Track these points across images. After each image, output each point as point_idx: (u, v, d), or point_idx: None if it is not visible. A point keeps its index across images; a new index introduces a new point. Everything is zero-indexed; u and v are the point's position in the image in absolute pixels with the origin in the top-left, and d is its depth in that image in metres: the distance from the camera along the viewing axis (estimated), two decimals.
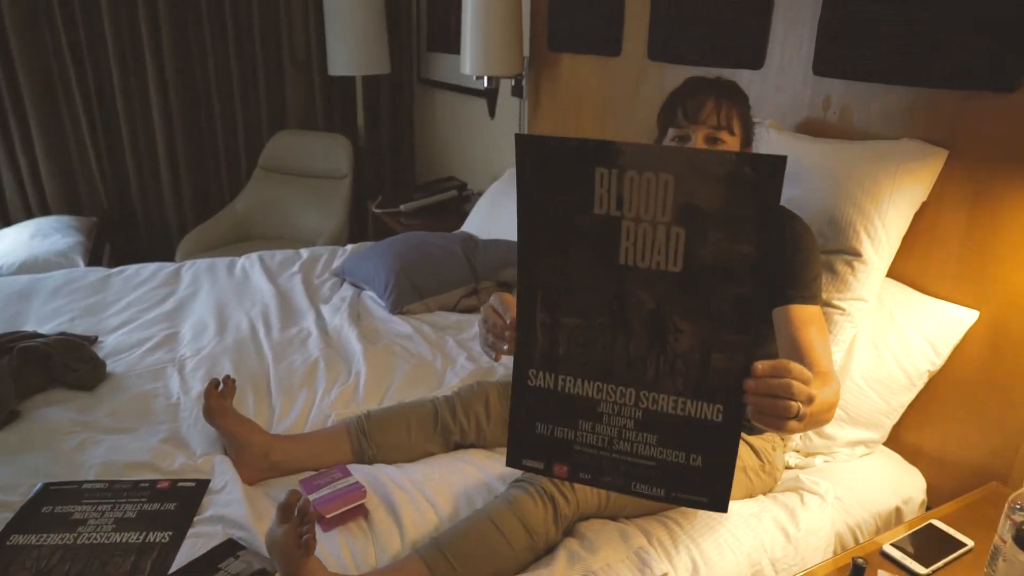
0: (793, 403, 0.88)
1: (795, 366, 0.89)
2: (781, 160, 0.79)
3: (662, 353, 0.89)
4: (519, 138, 0.88)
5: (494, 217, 2.64)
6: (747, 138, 1.40)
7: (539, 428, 0.97)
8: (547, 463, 0.99)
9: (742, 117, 1.37)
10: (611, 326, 0.91)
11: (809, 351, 1.23)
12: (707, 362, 0.88)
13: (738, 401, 0.88)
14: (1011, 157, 1.39)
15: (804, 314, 1.28)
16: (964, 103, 1.45)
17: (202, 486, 1.36)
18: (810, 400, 0.90)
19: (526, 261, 0.93)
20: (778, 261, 1.33)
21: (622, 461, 0.95)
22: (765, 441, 1.45)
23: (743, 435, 1.42)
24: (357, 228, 3.69)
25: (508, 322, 1.05)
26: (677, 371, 0.89)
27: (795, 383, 0.88)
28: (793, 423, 0.90)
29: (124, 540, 1.23)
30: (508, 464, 1.00)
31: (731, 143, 1.35)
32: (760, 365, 0.87)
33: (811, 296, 1.31)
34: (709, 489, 0.93)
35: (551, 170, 0.88)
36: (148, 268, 2.45)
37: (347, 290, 2.34)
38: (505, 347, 1.08)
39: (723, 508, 0.93)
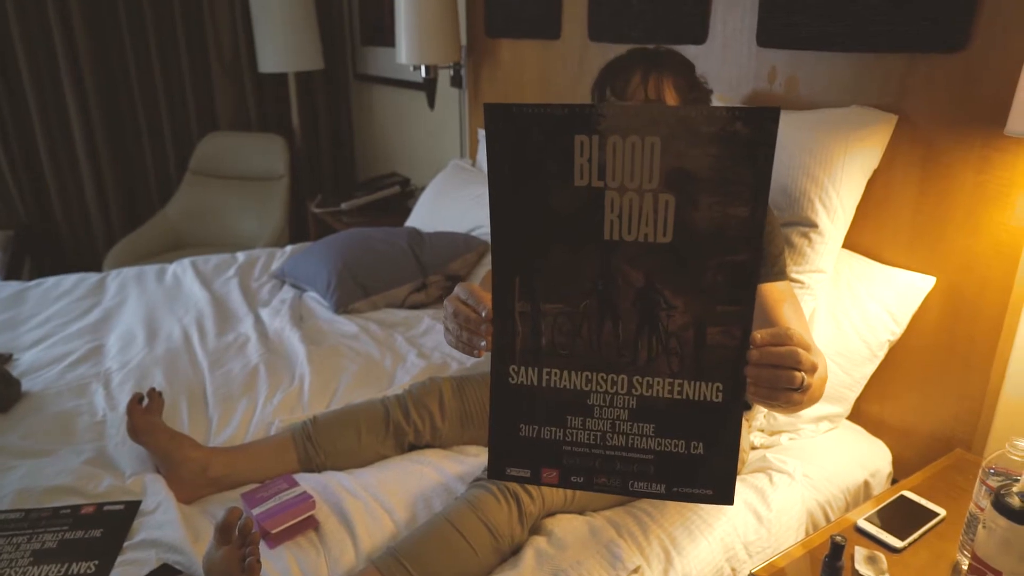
0: (797, 373, 0.82)
1: (796, 332, 0.84)
2: (774, 112, 0.73)
3: (654, 333, 0.83)
4: (488, 107, 0.79)
5: (439, 210, 2.55)
6: None
7: (523, 431, 0.89)
8: (534, 470, 0.90)
9: (679, 88, 1.28)
10: (598, 309, 0.83)
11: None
12: (703, 338, 0.82)
13: (738, 377, 0.82)
14: (960, 119, 1.37)
15: (775, 292, 1.23)
16: (911, 66, 1.43)
17: (132, 508, 1.24)
18: (814, 368, 0.84)
19: (501, 246, 0.84)
20: None
21: (617, 458, 0.87)
22: None
23: None
24: (297, 230, 3.57)
25: (484, 315, 0.92)
26: (671, 351, 0.83)
27: (800, 350, 0.82)
28: (796, 395, 0.84)
29: (44, 574, 1.10)
30: (490, 476, 0.91)
31: None
32: (760, 334, 0.81)
33: (779, 272, 1.26)
34: (713, 480, 0.86)
35: (525, 141, 0.79)
36: (69, 279, 2.29)
37: (287, 292, 2.23)
38: (483, 343, 0.96)
39: (729, 500, 0.86)
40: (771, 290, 1.23)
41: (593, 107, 0.77)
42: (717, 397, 0.83)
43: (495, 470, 0.91)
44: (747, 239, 0.78)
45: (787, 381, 0.82)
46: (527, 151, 0.79)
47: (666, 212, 0.79)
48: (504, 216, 0.83)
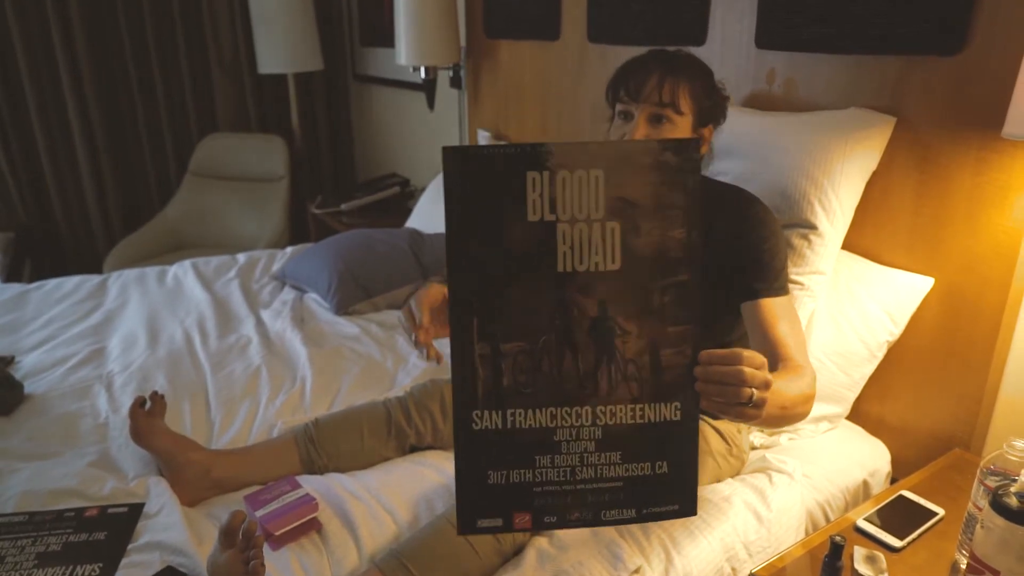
0: (745, 389, 0.86)
1: (747, 353, 0.87)
2: (696, 142, 0.85)
3: (612, 361, 0.85)
4: (446, 151, 0.81)
5: (439, 211, 2.54)
6: (703, 116, 1.28)
7: (492, 478, 0.87)
8: (506, 517, 0.88)
9: (694, 94, 1.26)
10: (556, 343, 0.85)
11: (782, 346, 1.19)
12: (658, 361, 0.85)
13: (693, 393, 0.86)
14: (957, 121, 1.38)
15: (774, 308, 1.23)
16: (908, 68, 1.44)
17: (135, 511, 1.25)
18: (765, 385, 0.88)
19: (458, 288, 0.84)
20: (745, 251, 1.27)
21: (588, 491, 0.88)
22: (730, 424, 1.42)
23: (708, 419, 1.38)
24: (297, 231, 3.57)
25: (419, 322, 0.92)
26: (631, 377, 0.86)
27: (746, 369, 0.86)
28: (750, 410, 0.87)
29: None
30: (460, 532, 0.89)
31: (679, 122, 1.25)
32: (705, 353, 0.86)
33: (780, 288, 1.26)
34: (678, 495, 0.89)
35: (482, 182, 0.82)
36: (70, 281, 2.29)
37: (288, 293, 2.23)
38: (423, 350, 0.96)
39: (694, 511, 0.90)
40: (768, 306, 1.24)
41: (543, 145, 0.81)
42: (676, 416, 0.87)
43: (465, 524, 0.88)
44: (687, 260, 0.84)
45: (734, 397, 0.86)
46: (483, 191, 0.82)
47: (613, 239, 0.84)
48: (461, 258, 0.84)
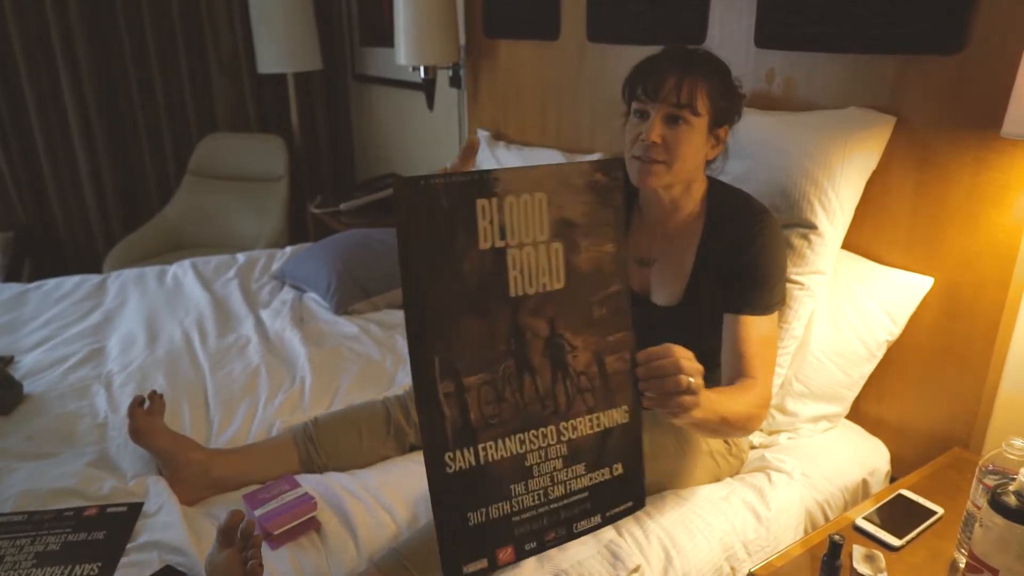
0: (681, 377, 0.91)
1: (677, 347, 0.93)
2: (620, 162, 0.93)
3: (567, 377, 0.89)
4: (397, 183, 0.80)
5: None
6: (720, 117, 1.27)
7: (472, 519, 0.86)
8: (490, 556, 0.88)
9: (711, 95, 1.24)
10: (515, 369, 0.86)
11: (748, 365, 1.22)
12: (604, 368, 0.90)
13: (636, 393, 0.92)
14: (956, 121, 1.38)
15: (752, 326, 1.24)
16: (907, 68, 1.44)
17: (134, 510, 1.25)
18: (699, 372, 0.94)
19: (417, 327, 0.82)
20: (740, 262, 1.26)
21: (561, 508, 0.91)
22: None
23: None
24: (297, 231, 3.57)
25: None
26: (584, 388, 0.90)
27: (680, 359, 0.91)
28: (687, 398, 0.92)
29: None
30: None
31: (696, 123, 1.23)
32: (642, 353, 0.91)
33: (766, 307, 1.26)
34: (631, 492, 0.94)
35: (434, 211, 0.82)
36: (70, 281, 2.29)
37: (288, 293, 2.23)
38: None
39: (642, 504, 0.96)
40: (747, 324, 1.24)
41: (490, 172, 0.83)
42: (625, 418, 0.92)
43: (451, 573, 0.87)
44: (618, 271, 0.90)
45: (674, 386, 0.92)
46: (436, 221, 0.82)
47: (557, 259, 0.87)
48: (418, 294, 0.82)
